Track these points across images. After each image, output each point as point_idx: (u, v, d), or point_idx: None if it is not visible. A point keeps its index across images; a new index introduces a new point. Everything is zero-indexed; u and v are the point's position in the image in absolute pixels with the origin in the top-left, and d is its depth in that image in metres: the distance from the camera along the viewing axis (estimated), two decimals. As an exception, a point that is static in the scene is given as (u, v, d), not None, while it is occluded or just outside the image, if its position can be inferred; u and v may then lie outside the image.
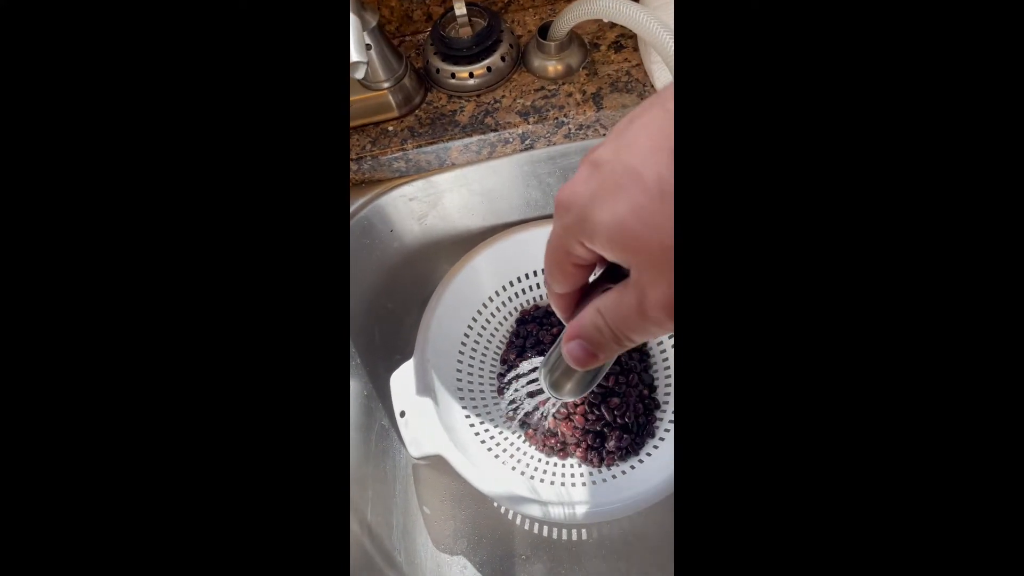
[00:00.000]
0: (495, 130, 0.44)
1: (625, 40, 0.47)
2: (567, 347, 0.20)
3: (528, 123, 0.44)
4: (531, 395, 0.36)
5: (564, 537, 0.48)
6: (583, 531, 0.48)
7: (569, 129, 0.45)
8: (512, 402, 0.39)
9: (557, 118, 0.44)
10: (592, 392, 0.48)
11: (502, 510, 0.49)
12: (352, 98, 0.44)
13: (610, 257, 0.17)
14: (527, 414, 0.49)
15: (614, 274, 0.20)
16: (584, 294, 0.21)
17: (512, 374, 0.40)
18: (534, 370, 0.32)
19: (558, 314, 0.21)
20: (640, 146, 0.15)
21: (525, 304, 0.54)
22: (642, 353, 0.51)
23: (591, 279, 0.21)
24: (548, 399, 0.31)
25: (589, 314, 0.19)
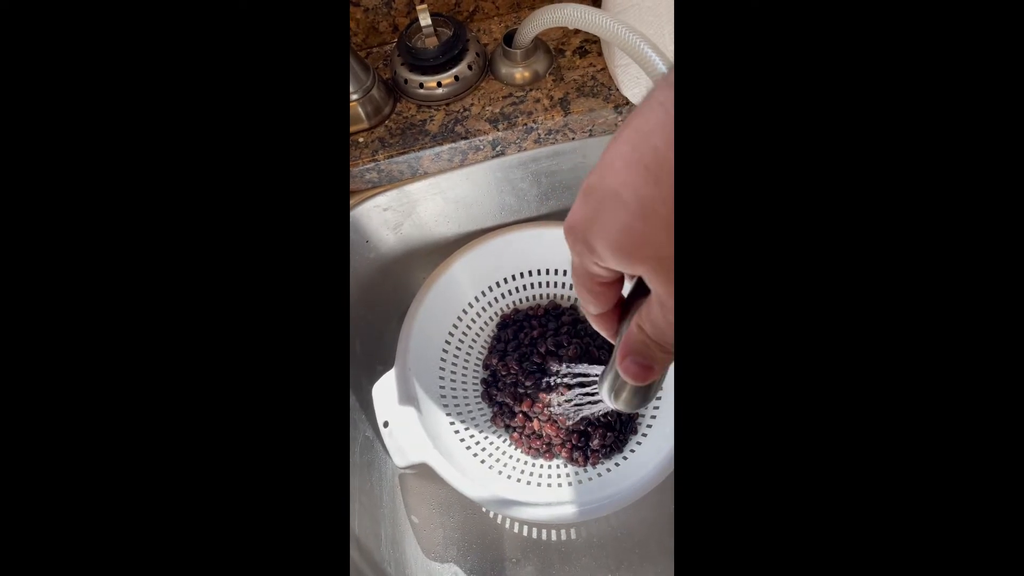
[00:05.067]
0: (465, 138, 0.45)
1: (589, 45, 0.48)
2: (622, 366, 0.20)
3: (498, 130, 0.45)
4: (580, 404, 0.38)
5: (553, 538, 0.48)
6: (572, 531, 0.49)
7: (539, 134, 0.46)
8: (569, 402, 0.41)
9: (526, 124, 0.45)
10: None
11: (491, 515, 0.49)
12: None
13: (626, 272, 0.18)
14: (511, 417, 0.49)
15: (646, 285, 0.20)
16: (624, 310, 0.21)
17: (557, 380, 0.45)
18: (578, 378, 0.37)
19: (604, 335, 0.22)
20: (617, 167, 0.16)
21: (505, 308, 0.54)
22: (622, 351, 0.52)
23: (625, 293, 0.21)
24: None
25: (633, 331, 0.19)
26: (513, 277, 0.53)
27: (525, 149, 0.47)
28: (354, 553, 0.41)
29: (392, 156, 0.45)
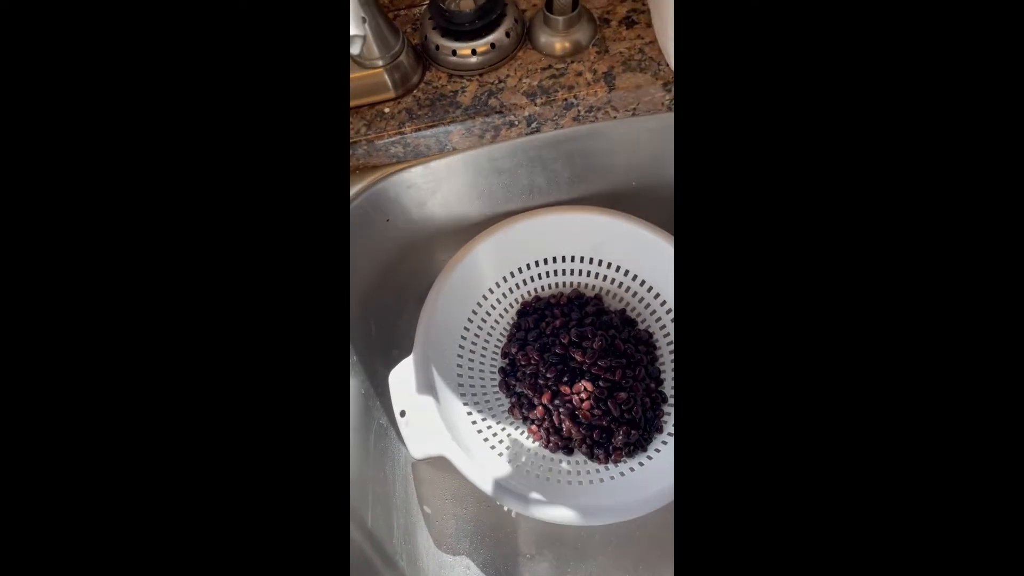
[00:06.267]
0: (499, 112, 0.41)
1: (637, 15, 0.44)
2: None
3: (535, 104, 0.41)
4: None
5: (570, 534, 0.47)
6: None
7: (579, 111, 0.42)
8: None
9: (566, 99, 0.41)
10: (598, 388, 0.47)
11: (504, 508, 0.48)
12: (344, 75, 0.41)
13: None
14: (530, 409, 0.47)
15: None
16: None
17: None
18: None
19: None
20: None
21: (527, 295, 0.52)
22: (648, 345, 0.50)
23: None
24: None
25: None
26: (536, 263, 0.50)
27: (562, 127, 0.44)
28: (366, 545, 0.40)
29: (420, 129, 0.41)
